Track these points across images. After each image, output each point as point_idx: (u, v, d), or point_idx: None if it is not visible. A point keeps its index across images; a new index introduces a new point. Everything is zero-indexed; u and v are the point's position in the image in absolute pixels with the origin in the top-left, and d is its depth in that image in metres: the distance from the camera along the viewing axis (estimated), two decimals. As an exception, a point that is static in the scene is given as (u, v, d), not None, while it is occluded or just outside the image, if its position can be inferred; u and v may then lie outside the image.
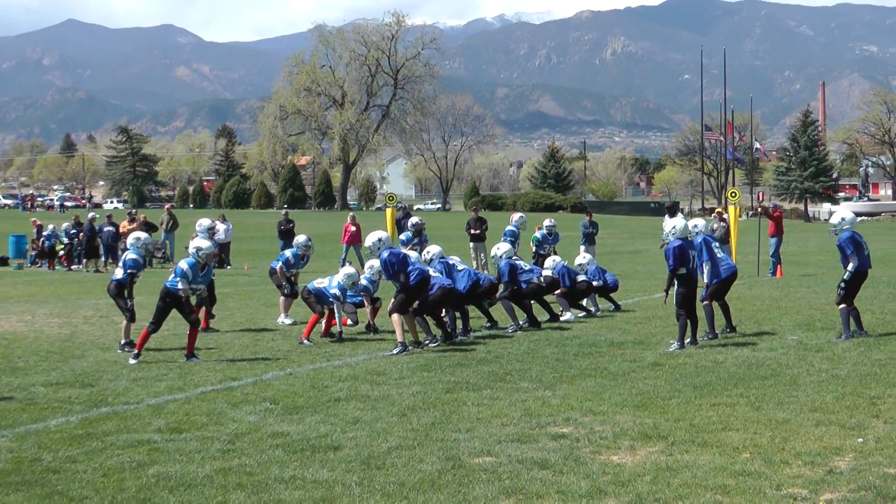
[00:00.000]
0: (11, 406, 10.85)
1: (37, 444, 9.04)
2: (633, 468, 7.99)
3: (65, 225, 35.82)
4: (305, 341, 15.43)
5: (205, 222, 18.44)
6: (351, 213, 35.82)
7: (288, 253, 18.27)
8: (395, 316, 14.75)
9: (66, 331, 17.46)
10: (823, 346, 14.18)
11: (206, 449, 8.84)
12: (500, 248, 17.87)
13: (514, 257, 17.95)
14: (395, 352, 14.41)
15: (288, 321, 17.99)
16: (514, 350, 14.53)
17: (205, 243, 14.61)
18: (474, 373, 12.63)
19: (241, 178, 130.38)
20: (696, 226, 15.71)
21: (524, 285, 17.42)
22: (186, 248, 15.70)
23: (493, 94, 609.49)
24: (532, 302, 17.64)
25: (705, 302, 15.54)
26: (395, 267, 14.78)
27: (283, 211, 37.37)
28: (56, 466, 8.29)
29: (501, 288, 17.55)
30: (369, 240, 15.27)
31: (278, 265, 18.00)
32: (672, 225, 15.00)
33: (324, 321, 16.30)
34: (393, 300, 14.99)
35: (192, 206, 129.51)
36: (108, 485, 7.74)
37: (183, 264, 14.18)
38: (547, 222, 24.91)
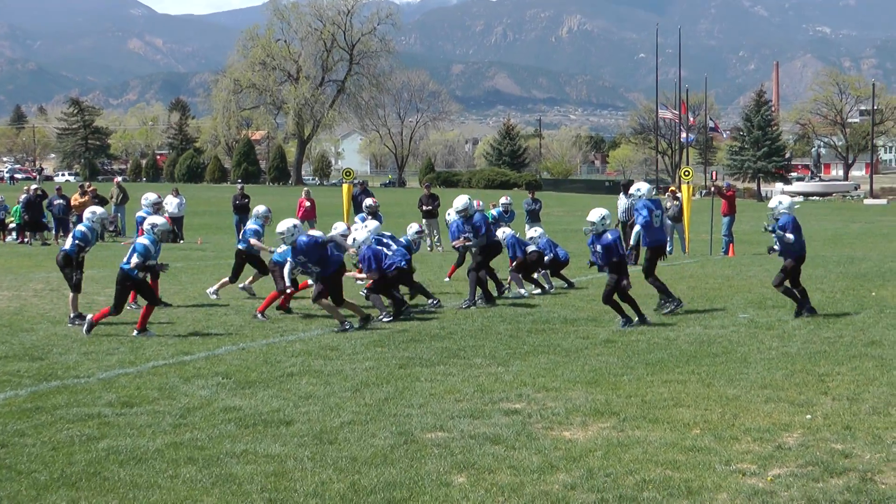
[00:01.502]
0: (-41, 379, 10.74)
1: (-15, 418, 8.96)
2: (584, 444, 8.04)
3: (23, 197, 35.37)
4: (260, 315, 15.36)
5: (150, 196, 18.16)
6: (305, 189, 35.70)
7: (254, 226, 17.98)
8: (323, 301, 14.36)
9: (16, 304, 17.26)
10: (774, 324, 14.31)
11: (157, 423, 8.79)
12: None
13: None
14: (345, 328, 14.26)
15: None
16: (468, 326, 14.55)
17: (160, 220, 14.49)
18: (427, 348, 12.64)
19: (194, 151, 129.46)
20: (638, 189, 16.53)
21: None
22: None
23: (449, 71, 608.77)
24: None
25: (650, 279, 15.87)
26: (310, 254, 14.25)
27: (239, 185, 37.12)
28: (4, 440, 8.22)
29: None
30: (282, 226, 14.54)
31: (252, 241, 17.65)
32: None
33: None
34: (314, 289, 14.60)
35: (144, 179, 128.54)
36: (57, 458, 7.68)
37: (144, 241, 14.04)
38: (503, 200, 24.96)
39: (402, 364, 11.56)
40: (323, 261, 14.32)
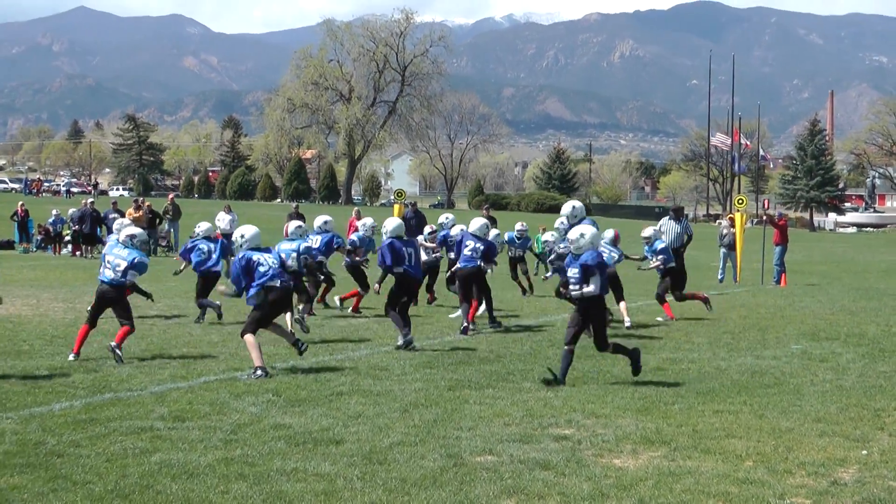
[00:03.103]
0: (17, 388, 10.87)
1: (41, 428, 9.05)
2: (635, 472, 7.98)
3: (71, 211, 35.88)
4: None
5: (204, 225, 18.37)
6: (356, 209, 35.82)
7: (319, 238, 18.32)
8: (248, 337, 12.48)
9: (71, 315, 17.47)
10: (828, 356, 14.15)
11: (208, 438, 8.84)
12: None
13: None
14: (254, 375, 12.04)
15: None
16: (517, 350, 14.53)
17: (137, 230, 14.08)
18: (477, 371, 12.63)
19: (246, 169, 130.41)
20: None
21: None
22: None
23: (500, 94, 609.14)
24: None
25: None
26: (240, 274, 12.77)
27: (294, 204, 37.37)
28: (60, 450, 8.30)
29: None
30: (236, 233, 13.20)
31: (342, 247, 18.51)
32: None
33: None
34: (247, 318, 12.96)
35: (196, 196, 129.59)
36: (111, 470, 7.74)
37: (142, 258, 13.66)
38: (518, 226, 24.64)
39: (450, 386, 11.55)
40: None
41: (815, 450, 8.74)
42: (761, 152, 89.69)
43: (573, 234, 12.23)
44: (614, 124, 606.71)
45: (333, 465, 8.04)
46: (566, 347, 11.88)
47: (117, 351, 12.93)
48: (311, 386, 11.40)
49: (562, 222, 17.35)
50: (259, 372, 11.97)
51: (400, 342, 14.60)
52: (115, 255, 13.61)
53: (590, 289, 11.78)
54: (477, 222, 17.18)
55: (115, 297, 13.43)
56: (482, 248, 16.83)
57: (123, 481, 7.47)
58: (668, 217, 25.02)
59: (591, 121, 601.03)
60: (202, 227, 18.46)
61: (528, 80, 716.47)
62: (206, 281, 17.69)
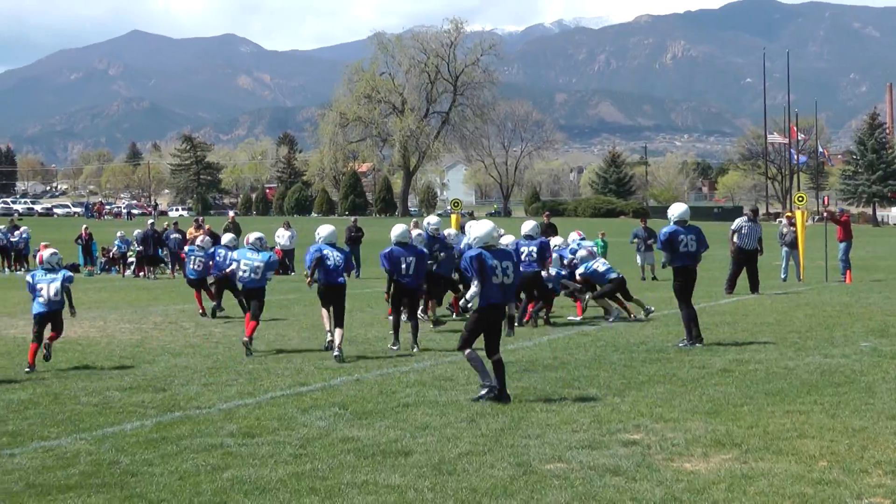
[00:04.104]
0: (88, 410, 11.01)
1: (114, 448, 9.16)
2: (707, 476, 7.90)
3: (136, 232, 36.36)
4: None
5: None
6: (414, 220, 35.92)
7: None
8: (322, 311, 15.68)
9: (137, 336, 17.69)
10: (897, 353, 13.94)
11: (278, 453, 8.89)
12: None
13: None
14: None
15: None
16: (581, 356, 14.47)
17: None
18: (542, 379, 12.59)
19: (302, 185, 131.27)
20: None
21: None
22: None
23: (553, 100, 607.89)
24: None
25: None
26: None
27: (353, 219, 37.60)
28: (134, 469, 8.40)
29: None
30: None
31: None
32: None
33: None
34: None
35: (254, 213, 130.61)
36: (184, 488, 7.82)
37: (273, 257, 16.27)
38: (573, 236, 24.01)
39: (516, 394, 11.52)
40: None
41: (891, 448, 8.60)
42: (820, 148, 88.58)
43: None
44: (669, 126, 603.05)
45: (403, 476, 8.05)
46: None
47: (250, 346, 15.17)
48: (377, 398, 11.44)
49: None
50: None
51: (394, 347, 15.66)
52: (250, 259, 15.98)
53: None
54: (528, 224, 18.42)
55: (257, 293, 15.86)
56: (535, 249, 17.89)
57: (197, 498, 7.54)
58: (745, 218, 24.91)
59: (646, 123, 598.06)
60: (226, 237, 21.32)
61: (581, 85, 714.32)
62: (220, 283, 20.49)
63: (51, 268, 14.40)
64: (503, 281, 11.24)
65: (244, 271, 15.91)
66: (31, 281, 14.40)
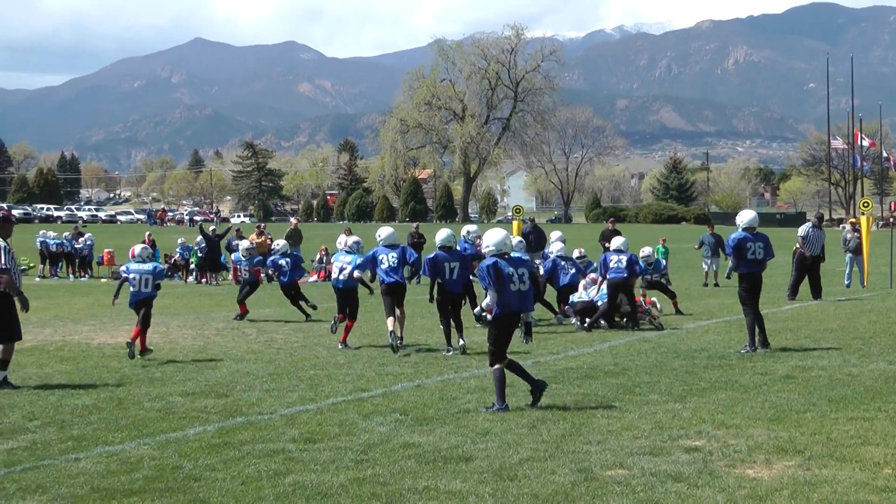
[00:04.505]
0: (151, 415, 11.15)
1: (177, 453, 9.27)
2: (769, 482, 7.84)
3: (198, 238, 36.75)
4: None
5: (280, 242, 22.42)
6: (475, 227, 35.97)
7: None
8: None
9: (200, 342, 17.88)
10: (964, 360, 13.73)
11: (339, 459, 8.94)
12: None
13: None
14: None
15: None
16: (642, 362, 14.41)
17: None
18: (602, 385, 12.56)
19: (363, 191, 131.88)
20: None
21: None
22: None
23: (614, 106, 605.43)
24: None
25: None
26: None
27: (415, 225, 37.72)
28: (196, 474, 8.49)
29: None
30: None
31: None
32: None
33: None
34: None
35: (315, 219, 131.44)
36: (247, 493, 7.89)
37: (361, 259, 17.12)
38: (644, 252, 23.60)
39: (577, 400, 11.50)
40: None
41: (957, 456, 8.48)
42: (884, 154, 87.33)
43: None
44: (731, 131, 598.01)
45: (464, 482, 8.07)
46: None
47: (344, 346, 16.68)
48: (437, 404, 11.46)
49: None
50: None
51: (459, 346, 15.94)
52: (341, 262, 17.38)
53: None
54: (618, 240, 19.62)
55: (348, 296, 17.28)
56: (626, 259, 18.95)
57: (259, 503, 7.61)
58: (810, 224, 25.05)
59: (707, 129, 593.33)
60: (279, 244, 22.46)
61: (642, 91, 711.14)
62: (285, 288, 21.95)
63: (142, 260, 16.30)
64: (520, 288, 11.26)
65: (338, 272, 17.36)
66: (124, 272, 16.46)
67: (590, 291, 19.59)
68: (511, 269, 11.22)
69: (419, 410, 11.11)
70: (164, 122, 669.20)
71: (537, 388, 11.27)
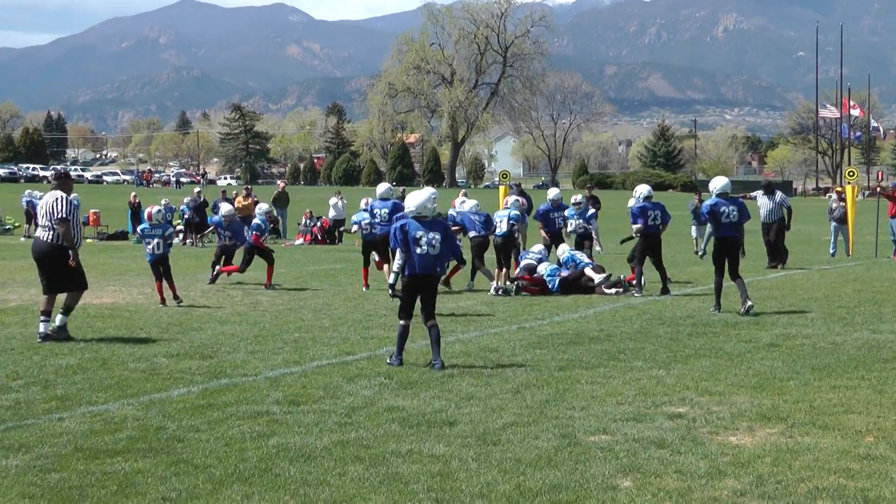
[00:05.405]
0: (135, 376, 11.13)
1: (161, 413, 9.26)
2: (752, 449, 7.87)
3: (186, 199, 36.66)
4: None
5: (263, 206, 23.52)
6: (463, 191, 35.94)
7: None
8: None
9: (185, 304, 17.83)
10: (948, 330, 13.79)
11: (323, 422, 8.94)
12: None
13: None
14: None
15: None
16: (627, 329, 14.44)
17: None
18: (587, 351, 12.57)
19: (350, 155, 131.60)
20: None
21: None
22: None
23: (602, 73, 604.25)
24: None
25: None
26: None
27: (402, 189, 37.70)
28: (180, 435, 8.48)
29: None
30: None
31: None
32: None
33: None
34: None
35: (302, 182, 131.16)
36: (230, 454, 7.89)
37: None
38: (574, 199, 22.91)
39: (561, 366, 11.52)
40: None
41: (939, 425, 8.53)
42: (873, 123, 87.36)
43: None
44: (719, 99, 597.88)
45: (448, 446, 8.08)
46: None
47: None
48: (422, 368, 11.47)
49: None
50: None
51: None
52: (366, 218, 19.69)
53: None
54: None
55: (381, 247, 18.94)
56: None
57: (242, 465, 7.61)
58: (760, 192, 25.94)
59: (696, 97, 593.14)
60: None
61: (631, 58, 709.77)
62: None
63: (157, 223, 18.03)
64: (427, 251, 11.49)
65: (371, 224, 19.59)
66: (140, 233, 18.48)
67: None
68: (421, 233, 11.47)
69: (403, 374, 11.11)
70: (152, 83, 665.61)
71: (395, 363, 11.64)
